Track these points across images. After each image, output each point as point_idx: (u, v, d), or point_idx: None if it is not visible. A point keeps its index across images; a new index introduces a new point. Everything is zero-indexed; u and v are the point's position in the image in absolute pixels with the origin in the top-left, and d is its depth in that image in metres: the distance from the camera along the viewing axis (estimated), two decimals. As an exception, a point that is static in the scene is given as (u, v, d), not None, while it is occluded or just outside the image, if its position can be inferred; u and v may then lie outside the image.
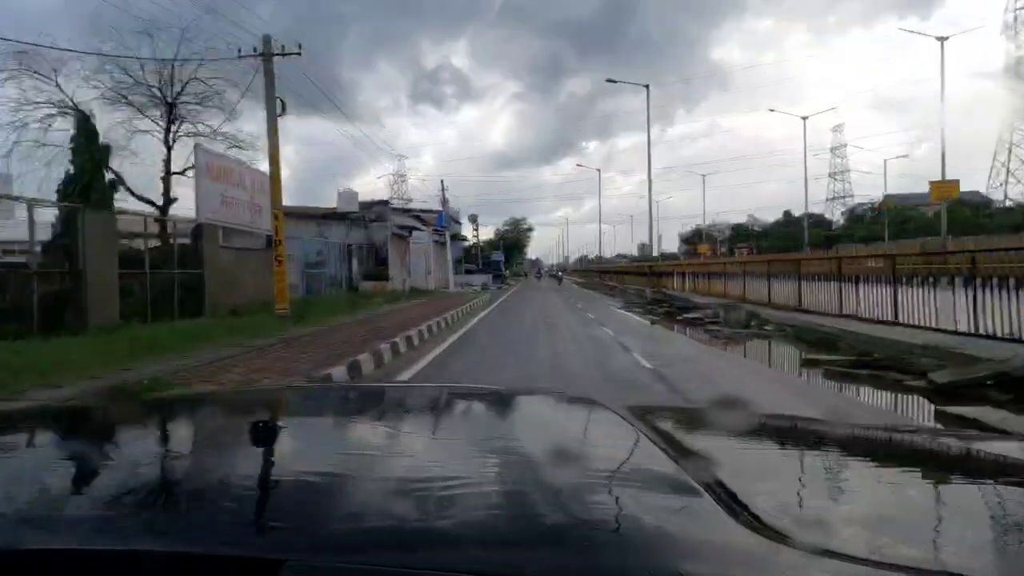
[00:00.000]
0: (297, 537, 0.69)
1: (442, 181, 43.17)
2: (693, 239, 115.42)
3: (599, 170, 66.10)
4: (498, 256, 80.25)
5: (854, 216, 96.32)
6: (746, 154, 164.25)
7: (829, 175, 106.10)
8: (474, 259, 71.21)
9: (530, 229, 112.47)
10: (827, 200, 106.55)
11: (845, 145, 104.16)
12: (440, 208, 54.15)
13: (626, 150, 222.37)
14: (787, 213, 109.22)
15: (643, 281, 34.57)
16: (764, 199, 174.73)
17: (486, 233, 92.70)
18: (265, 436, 1.10)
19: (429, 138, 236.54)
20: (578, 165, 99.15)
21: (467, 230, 70.50)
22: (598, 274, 61.08)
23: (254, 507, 0.84)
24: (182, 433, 1.38)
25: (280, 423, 1.25)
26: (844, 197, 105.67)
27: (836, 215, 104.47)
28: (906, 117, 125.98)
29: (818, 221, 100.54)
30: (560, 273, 73.35)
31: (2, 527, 0.75)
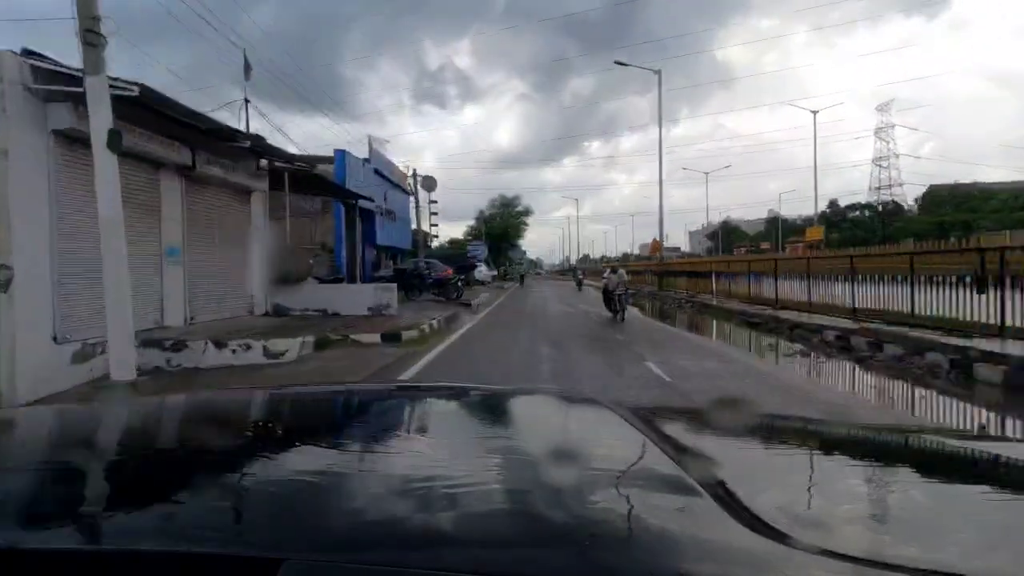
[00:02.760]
0: (296, 536, 0.68)
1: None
2: (714, 235, 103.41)
3: (659, 72, 32.61)
4: (477, 250, 54.90)
5: (934, 202, 79.42)
6: (753, 150, 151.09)
7: (873, 161, 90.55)
8: (438, 250, 46.32)
9: (526, 213, 77.87)
10: (872, 188, 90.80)
11: (893, 126, 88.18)
12: (366, 157, 30.17)
13: (626, 151, 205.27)
14: (833, 203, 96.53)
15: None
16: (758, 197, 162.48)
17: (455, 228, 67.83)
18: (265, 435, 1.08)
19: (428, 137, 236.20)
20: (616, 62, 33.66)
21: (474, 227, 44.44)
22: (659, 276, 30.19)
23: (253, 506, 0.83)
24: (181, 433, 1.35)
25: (280, 422, 1.22)
26: (892, 186, 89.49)
27: (909, 203, 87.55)
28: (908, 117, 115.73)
29: (891, 211, 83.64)
30: (581, 272, 44.81)
31: (2, 527, 0.74)
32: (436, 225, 42.05)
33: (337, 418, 1.47)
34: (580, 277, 40.83)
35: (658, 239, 34.84)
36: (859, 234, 67.37)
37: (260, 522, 0.76)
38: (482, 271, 43.61)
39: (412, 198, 33.06)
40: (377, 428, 1.31)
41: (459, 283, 22.39)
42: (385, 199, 30.94)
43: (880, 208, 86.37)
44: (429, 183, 41.70)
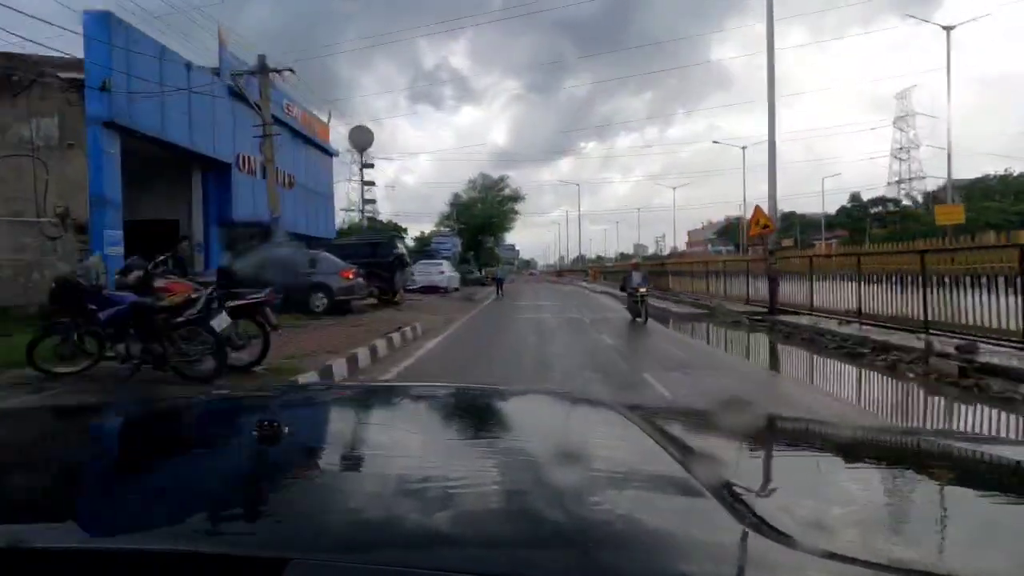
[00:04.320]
0: (301, 536, 0.69)
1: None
2: (723, 232, 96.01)
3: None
4: (444, 244, 41.68)
5: (978, 193, 70.75)
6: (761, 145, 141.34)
7: (892, 154, 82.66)
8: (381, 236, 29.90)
9: (514, 199, 59.53)
10: (891, 183, 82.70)
11: (914, 114, 79.58)
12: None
13: (622, 151, 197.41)
14: (855, 196, 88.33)
15: None
16: (749, 196, 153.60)
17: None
18: (268, 436, 1.10)
19: (424, 137, 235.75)
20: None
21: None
22: (772, 285, 14.53)
23: (258, 506, 0.83)
24: (185, 434, 1.34)
25: (283, 423, 1.24)
26: (913, 179, 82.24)
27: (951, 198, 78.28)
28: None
29: (935, 203, 73.91)
30: (641, 279, 14.72)
31: (4, 526, 0.74)
32: (373, 202, 28.78)
33: (343, 418, 1.45)
34: (643, 291, 14.77)
35: (764, 211, 16.04)
36: (912, 226, 56.95)
37: (265, 522, 0.76)
38: (442, 274, 28.77)
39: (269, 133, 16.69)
40: (382, 428, 1.31)
41: (191, 322, 6.74)
42: (261, 149, 18.00)
43: (918, 200, 77.41)
44: (361, 137, 27.75)
